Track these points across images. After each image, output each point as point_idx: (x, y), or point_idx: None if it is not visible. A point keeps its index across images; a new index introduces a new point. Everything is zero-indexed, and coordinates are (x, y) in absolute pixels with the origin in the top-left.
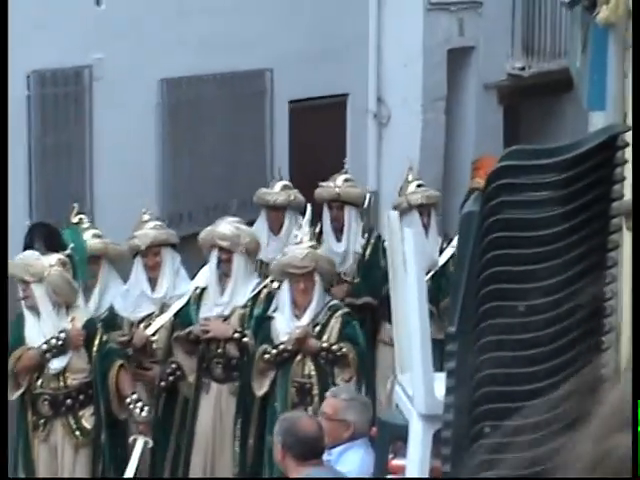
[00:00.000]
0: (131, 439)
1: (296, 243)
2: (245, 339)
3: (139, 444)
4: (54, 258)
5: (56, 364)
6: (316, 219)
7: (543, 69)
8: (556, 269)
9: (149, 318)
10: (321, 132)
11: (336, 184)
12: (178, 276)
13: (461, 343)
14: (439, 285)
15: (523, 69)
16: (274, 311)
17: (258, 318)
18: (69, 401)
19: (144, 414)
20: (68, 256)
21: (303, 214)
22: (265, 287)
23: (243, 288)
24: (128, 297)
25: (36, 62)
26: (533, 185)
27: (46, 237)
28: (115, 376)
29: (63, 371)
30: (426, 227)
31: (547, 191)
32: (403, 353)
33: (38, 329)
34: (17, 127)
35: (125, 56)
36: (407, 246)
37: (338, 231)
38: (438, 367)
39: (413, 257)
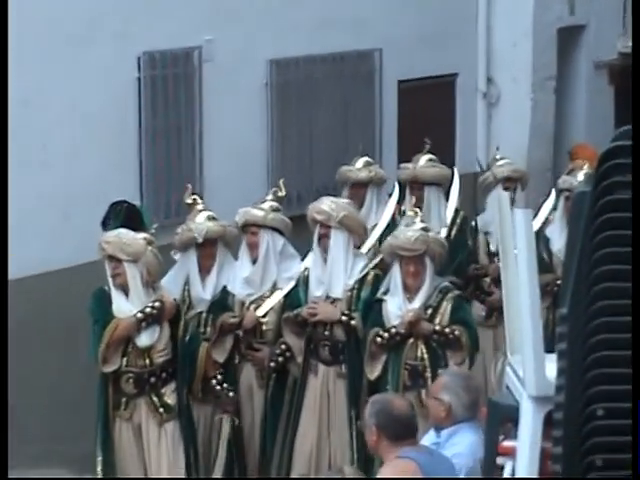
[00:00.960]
0: (217, 418)
1: (406, 225)
2: (353, 322)
3: (226, 423)
4: (143, 237)
5: (145, 339)
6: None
7: None
8: None
9: (260, 299)
10: (430, 112)
11: (416, 164)
12: (286, 258)
13: (573, 324)
14: None
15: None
16: (384, 293)
17: (366, 301)
18: (153, 379)
19: (231, 394)
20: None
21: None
22: (373, 269)
23: (342, 264)
24: (237, 274)
25: (146, 44)
26: None
27: (126, 216)
28: (203, 358)
29: (149, 349)
30: (512, 202)
31: None
32: (514, 334)
33: (127, 307)
34: (128, 109)
35: (234, 38)
36: (518, 227)
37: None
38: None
39: (524, 238)
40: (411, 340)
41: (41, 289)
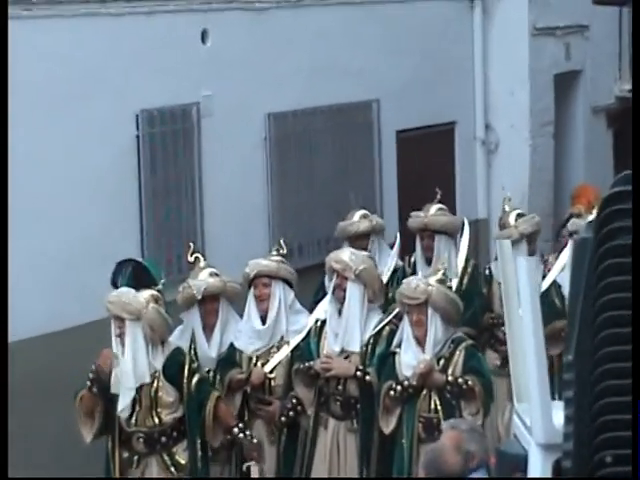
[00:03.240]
0: (245, 467)
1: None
2: (368, 378)
3: (254, 471)
4: (147, 294)
5: (121, 406)
6: (411, 249)
7: None
8: None
9: (267, 354)
10: (429, 161)
11: (426, 213)
12: (293, 311)
13: (579, 371)
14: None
15: (632, 91)
16: (398, 346)
17: (382, 356)
18: (164, 438)
19: (254, 440)
20: (159, 291)
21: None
22: (388, 325)
23: (358, 318)
24: (242, 329)
25: (144, 102)
26: None
27: (133, 274)
28: (213, 407)
29: (155, 407)
30: (532, 254)
31: None
32: (520, 382)
33: (126, 367)
34: (128, 167)
35: (231, 92)
36: (520, 275)
37: (430, 260)
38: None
39: (527, 286)
40: (424, 392)
41: (43, 351)
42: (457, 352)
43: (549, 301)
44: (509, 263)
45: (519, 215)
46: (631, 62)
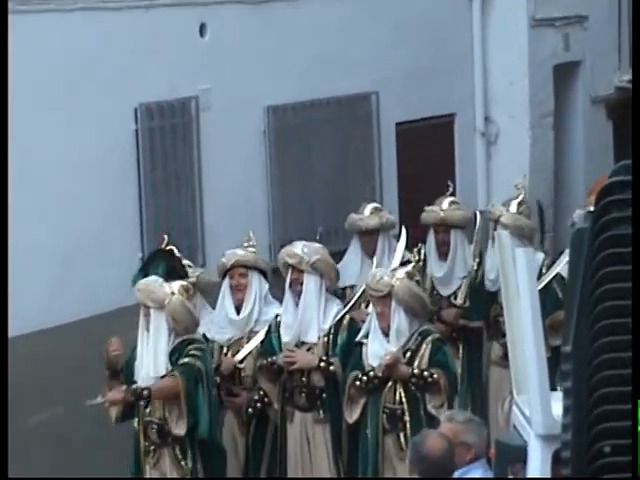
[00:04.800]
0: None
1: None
2: (332, 368)
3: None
4: (177, 285)
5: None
6: (415, 242)
7: None
8: None
9: (237, 345)
10: (429, 153)
11: (441, 207)
12: (267, 302)
13: (577, 362)
14: (543, 303)
15: (631, 82)
16: (365, 336)
17: (344, 345)
18: None
19: None
20: (192, 284)
21: (397, 235)
22: (347, 313)
23: (316, 308)
24: (214, 319)
25: (143, 95)
26: None
27: (167, 264)
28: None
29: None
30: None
31: None
32: (519, 374)
33: (148, 355)
34: (127, 161)
35: (230, 85)
36: (519, 266)
37: (444, 255)
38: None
39: (526, 277)
40: (390, 383)
41: (41, 346)
42: (424, 345)
43: (551, 292)
44: (507, 253)
45: (520, 204)
46: (631, 54)
